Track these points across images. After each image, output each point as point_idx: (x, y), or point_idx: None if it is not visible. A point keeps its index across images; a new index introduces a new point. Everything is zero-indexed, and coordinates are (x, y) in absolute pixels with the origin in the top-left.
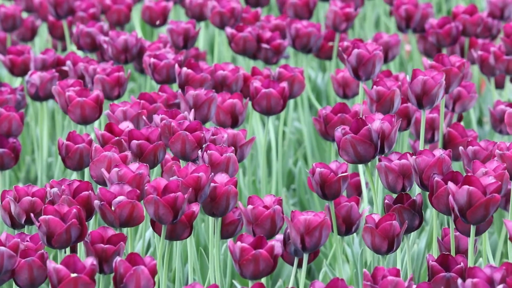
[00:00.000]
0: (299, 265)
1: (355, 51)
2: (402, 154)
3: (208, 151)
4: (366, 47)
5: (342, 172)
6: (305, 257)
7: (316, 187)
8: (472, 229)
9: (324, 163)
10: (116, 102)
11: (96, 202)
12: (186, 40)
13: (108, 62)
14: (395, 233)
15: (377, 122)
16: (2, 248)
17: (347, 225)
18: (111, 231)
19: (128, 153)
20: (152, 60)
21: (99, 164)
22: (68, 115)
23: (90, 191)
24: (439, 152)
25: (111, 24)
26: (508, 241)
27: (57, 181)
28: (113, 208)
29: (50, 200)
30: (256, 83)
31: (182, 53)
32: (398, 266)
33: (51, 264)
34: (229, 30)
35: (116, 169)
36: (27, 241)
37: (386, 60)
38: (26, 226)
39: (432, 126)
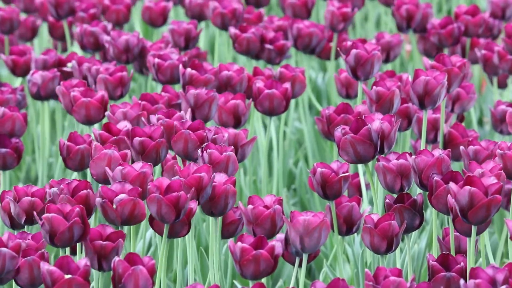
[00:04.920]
0: (300, 265)
1: (353, 51)
2: (401, 154)
3: (207, 150)
4: (365, 47)
5: (343, 172)
6: (305, 257)
7: (317, 187)
8: (474, 229)
9: (325, 163)
10: (118, 102)
11: (98, 200)
12: (188, 41)
13: (111, 62)
14: (394, 233)
15: (377, 122)
16: (4, 249)
17: (348, 225)
18: (110, 229)
19: (128, 151)
20: (157, 60)
21: (99, 162)
22: (72, 115)
23: (88, 190)
24: (438, 152)
25: (111, 24)
26: (509, 241)
27: (56, 181)
28: (114, 206)
29: (50, 200)
30: (259, 84)
31: (187, 53)
32: (398, 266)
33: (44, 266)
34: (232, 30)
35: (120, 167)
36: (28, 239)
37: (387, 60)
38: (26, 226)
39: (435, 127)
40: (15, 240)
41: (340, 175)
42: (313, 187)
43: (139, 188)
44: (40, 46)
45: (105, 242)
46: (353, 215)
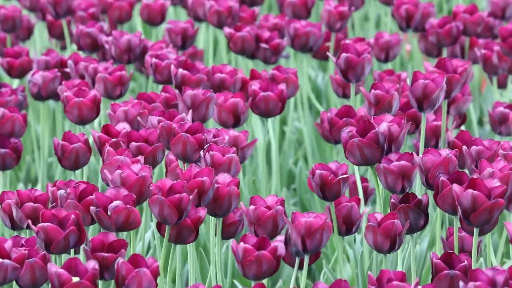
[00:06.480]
0: (300, 266)
1: (343, 55)
2: (402, 154)
3: (210, 152)
4: (356, 48)
5: (342, 173)
6: (306, 258)
7: (317, 189)
8: (476, 231)
9: (324, 164)
10: (117, 101)
11: (92, 208)
12: (185, 40)
13: (108, 62)
14: (397, 232)
15: (384, 125)
16: (7, 261)
17: (347, 226)
18: (112, 236)
19: (141, 157)
20: (154, 60)
21: (110, 168)
22: (66, 115)
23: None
24: (445, 151)
25: (113, 22)
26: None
27: (64, 182)
28: (109, 213)
29: (53, 206)
30: (254, 86)
31: (185, 53)
32: (399, 266)
33: (52, 268)
34: (227, 30)
35: (119, 171)
36: (22, 244)
37: (387, 59)
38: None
39: (436, 134)
40: (19, 251)
41: (339, 177)
42: (313, 188)
43: (134, 195)
44: (40, 45)
45: (107, 254)
46: (352, 215)
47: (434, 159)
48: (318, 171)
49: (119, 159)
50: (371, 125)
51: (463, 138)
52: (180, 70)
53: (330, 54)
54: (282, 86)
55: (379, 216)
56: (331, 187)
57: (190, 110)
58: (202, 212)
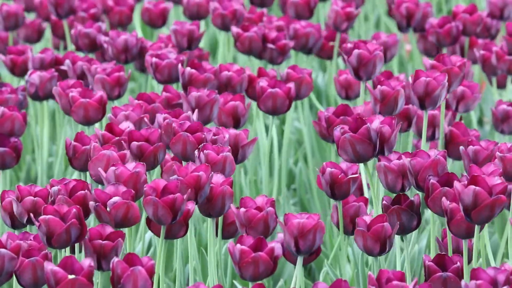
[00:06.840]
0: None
1: (356, 51)
2: (402, 153)
3: (204, 151)
4: (367, 47)
5: (353, 173)
6: (300, 259)
7: (326, 186)
8: (477, 228)
9: (335, 163)
10: (116, 102)
11: (91, 203)
12: (190, 42)
13: (110, 63)
14: (386, 234)
15: (376, 122)
16: (3, 250)
17: (354, 225)
18: (109, 229)
19: (127, 151)
20: (154, 59)
21: (97, 163)
22: (71, 115)
23: (86, 191)
24: (434, 153)
25: (113, 25)
26: (509, 242)
27: (57, 180)
28: (108, 209)
29: (53, 201)
30: (262, 83)
31: (185, 53)
32: (399, 266)
33: (48, 266)
34: (235, 29)
35: (113, 168)
36: (30, 240)
37: (385, 60)
38: (28, 225)
39: (432, 123)
40: (15, 241)
41: (350, 176)
42: (321, 186)
43: (132, 191)
44: (42, 46)
45: (104, 242)
46: (360, 215)
47: (422, 161)
48: (328, 169)
49: (105, 154)
50: (363, 122)
51: (459, 128)
52: (188, 69)
53: (341, 53)
54: (290, 84)
55: (368, 219)
56: (340, 185)
57: (196, 110)
58: (191, 205)
